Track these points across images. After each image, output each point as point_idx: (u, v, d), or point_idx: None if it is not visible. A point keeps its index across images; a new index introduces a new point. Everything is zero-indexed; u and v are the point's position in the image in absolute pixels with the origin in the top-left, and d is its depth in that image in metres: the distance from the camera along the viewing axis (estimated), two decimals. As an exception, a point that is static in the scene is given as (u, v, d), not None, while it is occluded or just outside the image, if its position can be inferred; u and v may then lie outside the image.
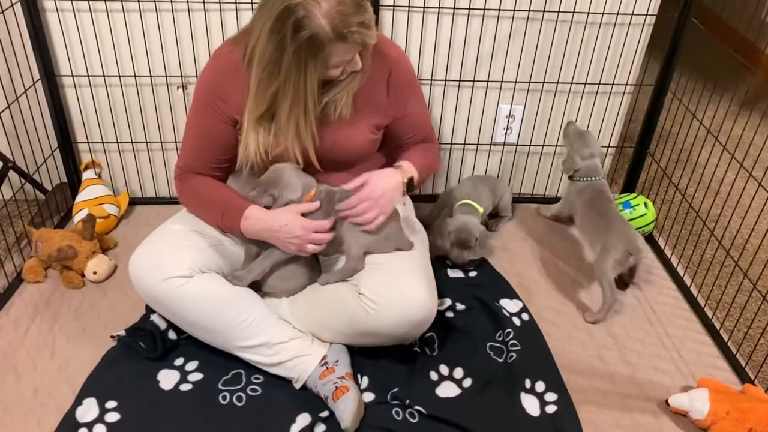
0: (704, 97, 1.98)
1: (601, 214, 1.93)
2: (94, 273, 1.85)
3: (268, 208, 1.56)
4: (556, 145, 2.24)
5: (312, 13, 1.31)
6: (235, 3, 1.89)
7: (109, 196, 2.10)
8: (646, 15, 1.99)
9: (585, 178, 2.02)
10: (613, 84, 2.12)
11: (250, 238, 1.58)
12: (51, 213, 2.09)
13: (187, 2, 1.88)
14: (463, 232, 1.91)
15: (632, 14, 1.99)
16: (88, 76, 1.99)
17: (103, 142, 2.12)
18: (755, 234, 2.19)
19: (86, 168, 2.14)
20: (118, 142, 2.12)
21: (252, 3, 1.88)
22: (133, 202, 2.20)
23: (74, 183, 2.16)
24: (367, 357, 1.62)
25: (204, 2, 1.89)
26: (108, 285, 1.87)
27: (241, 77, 1.50)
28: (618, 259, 1.82)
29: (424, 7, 1.94)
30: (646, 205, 2.14)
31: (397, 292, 1.48)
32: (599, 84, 2.12)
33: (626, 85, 2.13)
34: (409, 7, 1.93)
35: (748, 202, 1.94)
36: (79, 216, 2.02)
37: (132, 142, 2.13)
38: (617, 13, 1.98)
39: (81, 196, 2.08)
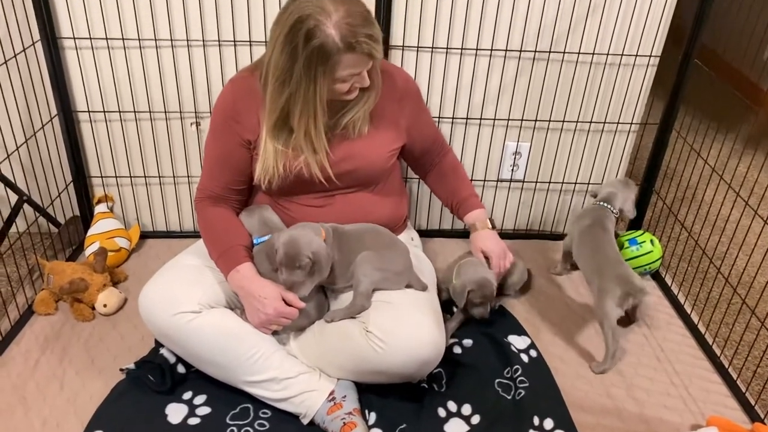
0: (708, 136, 2.00)
1: (595, 249, 1.91)
2: (105, 306, 1.87)
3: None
4: (562, 182, 2.27)
5: (323, 23, 1.39)
6: (249, 41, 1.94)
7: (120, 229, 2.13)
8: (650, 56, 2.03)
9: (597, 203, 2.03)
10: (618, 123, 2.15)
11: (231, 288, 1.60)
12: (63, 246, 2.11)
13: (202, 39, 1.94)
14: (486, 288, 1.78)
15: (636, 55, 2.03)
16: (104, 111, 2.03)
17: (116, 176, 2.15)
18: (762, 272, 2.19)
19: (99, 202, 2.17)
20: (131, 176, 2.16)
21: (265, 41, 1.93)
22: (144, 235, 2.22)
23: (86, 216, 2.19)
24: (375, 393, 1.61)
25: (219, 39, 1.94)
26: (118, 318, 1.88)
27: (256, 99, 1.58)
28: (617, 302, 1.78)
29: (432, 48, 1.99)
30: (652, 242, 2.14)
31: (406, 330, 1.49)
32: (604, 122, 2.15)
33: (631, 123, 2.16)
34: (417, 47, 1.98)
35: (753, 240, 1.95)
36: (90, 249, 2.04)
37: (145, 176, 2.16)
38: (621, 54, 2.03)
39: (93, 230, 2.10)
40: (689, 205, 2.28)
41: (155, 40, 1.93)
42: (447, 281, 1.88)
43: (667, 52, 2.05)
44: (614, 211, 2.02)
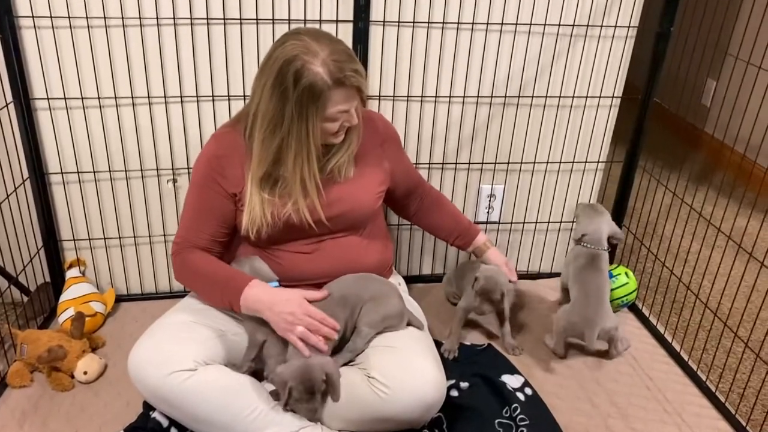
0: (663, 175, 2.11)
1: (587, 292, 1.95)
2: (85, 373, 1.78)
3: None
4: (536, 222, 2.32)
5: (310, 62, 1.42)
6: (228, 95, 1.95)
7: (95, 293, 2.05)
8: (613, 97, 2.14)
9: (587, 245, 2.04)
10: (585, 162, 2.24)
11: (247, 314, 1.57)
12: (35, 314, 2.01)
13: (180, 95, 1.93)
14: (490, 282, 1.87)
15: (600, 96, 2.13)
16: (78, 172, 1.98)
17: (89, 239, 2.09)
18: (738, 298, 2.27)
19: (70, 266, 2.09)
20: (104, 238, 2.09)
21: (244, 96, 1.94)
22: (118, 299, 2.14)
23: (57, 282, 2.10)
24: (379, 443, 1.58)
25: (197, 94, 1.93)
26: (99, 385, 1.79)
27: (239, 153, 1.59)
28: (562, 330, 1.94)
29: (408, 96, 2.04)
30: (627, 274, 2.20)
31: (409, 373, 1.48)
32: (573, 162, 2.23)
33: (598, 162, 2.25)
34: (393, 96, 2.03)
35: (717, 269, 2.04)
36: (64, 315, 1.95)
37: (119, 238, 2.10)
38: (586, 96, 2.13)
39: (65, 295, 2.01)
40: (660, 239, 2.37)
41: (132, 97, 1.91)
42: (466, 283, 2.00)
43: (628, 93, 2.16)
44: (605, 249, 2.05)
